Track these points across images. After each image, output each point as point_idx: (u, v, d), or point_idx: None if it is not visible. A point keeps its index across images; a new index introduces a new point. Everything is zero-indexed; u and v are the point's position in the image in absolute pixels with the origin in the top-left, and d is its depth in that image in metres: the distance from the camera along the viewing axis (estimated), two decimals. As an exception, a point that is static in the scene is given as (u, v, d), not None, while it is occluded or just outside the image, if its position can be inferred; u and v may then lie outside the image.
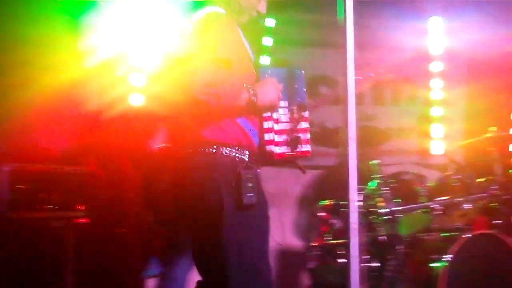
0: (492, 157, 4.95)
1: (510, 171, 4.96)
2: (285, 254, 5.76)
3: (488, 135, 4.95)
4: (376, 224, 4.43)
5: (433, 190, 4.65)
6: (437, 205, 4.51)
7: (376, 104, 6.51)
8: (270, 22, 5.80)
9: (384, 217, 4.41)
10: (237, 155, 2.70)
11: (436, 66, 6.59)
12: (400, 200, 4.50)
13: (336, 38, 2.38)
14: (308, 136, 2.86)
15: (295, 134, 2.80)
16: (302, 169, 3.12)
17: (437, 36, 6.54)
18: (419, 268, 4.43)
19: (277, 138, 2.77)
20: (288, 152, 2.80)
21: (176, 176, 2.79)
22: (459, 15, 6.14)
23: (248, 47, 2.87)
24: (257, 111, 2.74)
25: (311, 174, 6.05)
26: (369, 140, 5.32)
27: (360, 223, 4.23)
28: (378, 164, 4.61)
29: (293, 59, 5.74)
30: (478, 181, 4.74)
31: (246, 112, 2.70)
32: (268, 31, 5.83)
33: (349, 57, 2.29)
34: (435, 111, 6.59)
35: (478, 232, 4.46)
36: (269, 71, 2.79)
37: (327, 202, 4.87)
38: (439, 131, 6.56)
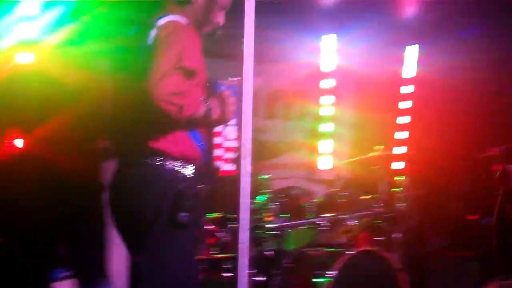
0: (377, 175, 5.07)
1: (393, 189, 5.10)
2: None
3: (374, 153, 5.08)
4: (263, 238, 4.40)
5: (320, 205, 4.69)
6: (323, 221, 4.54)
7: (268, 118, 6.52)
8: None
9: (272, 232, 4.39)
10: (181, 169, 2.65)
11: (327, 83, 6.70)
12: (287, 215, 4.50)
13: (235, 51, 2.29)
14: None
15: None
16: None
17: (329, 54, 6.65)
18: (304, 283, 4.44)
19: (224, 155, 2.70)
20: (234, 170, 2.73)
21: (115, 182, 2.74)
22: (351, 33, 6.28)
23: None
24: (210, 125, 2.68)
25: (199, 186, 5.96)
26: (259, 154, 5.30)
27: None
28: (267, 179, 4.59)
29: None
30: (363, 198, 4.84)
31: (201, 125, 2.65)
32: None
33: (247, 70, 2.21)
34: (324, 127, 6.70)
35: (361, 249, 4.54)
36: (222, 86, 2.71)
37: (215, 215, 4.79)
38: (328, 147, 6.67)
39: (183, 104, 2.46)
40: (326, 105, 6.70)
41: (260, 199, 4.51)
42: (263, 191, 4.52)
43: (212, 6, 2.84)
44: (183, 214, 2.54)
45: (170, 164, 2.63)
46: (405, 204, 5.10)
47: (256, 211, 4.47)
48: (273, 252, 4.39)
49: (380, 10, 5.72)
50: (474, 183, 6.51)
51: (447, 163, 6.48)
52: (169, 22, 2.66)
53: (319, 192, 4.98)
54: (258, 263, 4.33)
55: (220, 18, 2.88)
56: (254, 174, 4.61)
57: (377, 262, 4.45)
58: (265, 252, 4.38)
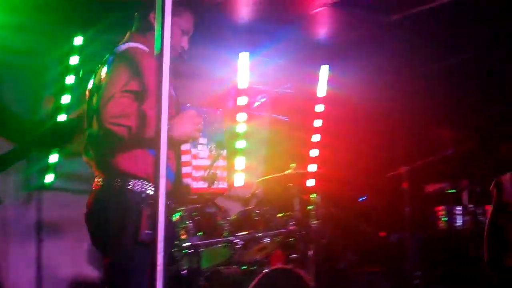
0: (291, 193, 5.11)
1: (307, 207, 5.15)
2: (81, 286, 5.44)
3: (288, 171, 5.11)
4: (177, 257, 4.32)
5: (234, 223, 4.66)
6: (238, 239, 4.52)
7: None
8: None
9: (186, 250, 4.32)
10: (144, 188, 2.74)
11: (242, 100, 6.69)
12: (202, 233, 4.44)
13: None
14: (225, 173, 2.80)
15: (213, 171, 2.86)
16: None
17: (245, 71, 6.65)
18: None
19: (194, 173, 2.87)
20: (205, 188, 2.87)
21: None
22: (266, 51, 6.35)
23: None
24: (172, 144, 2.69)
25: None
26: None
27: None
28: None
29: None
30: (277, 216, 4.85)
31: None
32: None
33: (163, 89, 2.15)
34: (239, 144, 6.68)
35: (275, 266, 4.55)
36: (188, 107, 2.84)
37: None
38: (242, 164, 6.65)
39: (130, 125, 2.54)
40: (241, 122, 6.69)
41: (175, 216, 4.43)
42: (178, 208, 4.45)
43: (175, 32, 2.83)
44: (146, 232, 2.62)
45: (132, 183, 2.71)
46: (318, 221, 5.15)
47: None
48: (187, 271, 4.31)
49: (295, 29, 5.79)
50: (383, 201, 6.68)
51: (357, 180, 6.63)
52: (126, 49, 2.78)
53: (234, 210, 4.94)
54: (173, 282, 4.25)
55: (184, 43, 2.99)
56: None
57: (292, 279, 4.48)
58: (179, 271, 4.30)
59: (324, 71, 6.81)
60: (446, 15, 5.50)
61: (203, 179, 2.82)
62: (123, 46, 2.80)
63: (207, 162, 2.85)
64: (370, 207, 6.72)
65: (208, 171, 2.80)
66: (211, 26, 5.79)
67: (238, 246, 4.51)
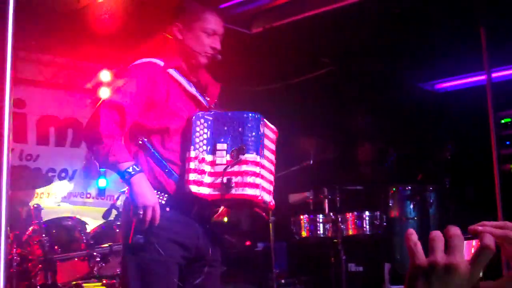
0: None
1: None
2: None
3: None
4: (32, 272, 4.14)
5: (94, 236, 4.54)
6: (97, 252, 4.40)
7: (40, 144, 6.22)
8: None
9: (41, 265, 4.15)
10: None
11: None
12: (58, 247, 4.29)
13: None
14: (247, 179, 2.70)
15: (228, 177, 2.68)
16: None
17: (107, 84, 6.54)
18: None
19: (209, 179, 2.71)
20: (221, 194, 2.72)
21: None
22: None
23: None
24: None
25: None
26: (29, 182, 5.02)
27: (15, 271, 3.94)
28: (37, 208, 4.34)
29: None
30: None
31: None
32: None
33: (6, 89, 2.04)
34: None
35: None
36: (200, 115, 2.80)
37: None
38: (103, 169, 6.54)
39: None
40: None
41: (29, 230, 4.26)
42: (33, 221, 4.28)
43: (198, 36, 2.97)
44: (138, 236, 2.70)
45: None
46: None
47: (25, 243, 4.22)
48: (43, 287, 4.15)
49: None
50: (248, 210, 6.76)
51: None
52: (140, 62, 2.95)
53: (94, 222, 4.82)
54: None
55: (215, 44, 3.00)
56: (25, 202, 4.40)
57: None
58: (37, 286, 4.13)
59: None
60: (306, 29, 5.69)
61: (215, 185, 2.72)
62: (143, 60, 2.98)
63: (222, 168, 2.72)
64: (234, 217, 6.77)
65: (222, 177, 2.69)
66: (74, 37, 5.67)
67: (97, 260, 4.39)
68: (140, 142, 2.85)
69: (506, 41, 5.35)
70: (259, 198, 2.74)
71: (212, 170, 2.73)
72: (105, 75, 6.34)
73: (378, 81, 6.70)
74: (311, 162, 5.90)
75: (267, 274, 6.17)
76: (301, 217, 6.00)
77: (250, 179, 2.70)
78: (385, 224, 5.78)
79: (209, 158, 2.75)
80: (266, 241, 6.21)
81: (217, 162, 2.74)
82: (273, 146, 2.99)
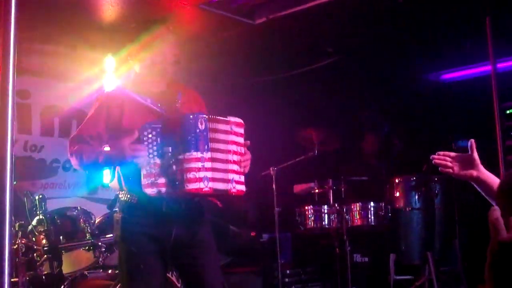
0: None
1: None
2: None
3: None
4: (37, 262, 4.15)
5: (99, 226, 4.55)
6: (102, 242, 4.41)
7: (44, 135, 6.22)
8: None
9: (46, 255, 4.16)
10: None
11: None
12: (63, 237, 4.30)
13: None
14: (188, 175, 3.01)
15: (172, 177, 3.03)
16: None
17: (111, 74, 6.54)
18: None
19: (161, 180, 3.07)
20: (171, 192, 3.06)
21: None
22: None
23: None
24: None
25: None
26: (34, 172, 5.04)
27: (20, 262, 3.95)
28: (42, 199, 4.35)
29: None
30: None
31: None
32: None
33: (9, 80, 2.03)
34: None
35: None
36: (147, 126, 3.08)
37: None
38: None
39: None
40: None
41: (35, 220, 4.27)
42: (37, 211, 4.28)
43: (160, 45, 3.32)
44: (116, 234, 3.38)
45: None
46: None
47: (30, 233, 4.23)
48: (47, 276, 4.16)
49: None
50: (253, 201, 6.77)
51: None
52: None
53: (100, 213, 4.82)
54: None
55: (174, 51, 3.33)
56: (30, 193, 4.39)
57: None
58: (40, 276, 4.14)
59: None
60: (310, 19, 5.67)
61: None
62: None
63: (165, 167, 3.09)
64: (240, 207, 6.79)
65: (168, 177, 3.09)
66: (78, 27, 5.67)
67: (102, 250, 4.41)
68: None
69: (512, 31, 5.34)
70: (205, 189, 3.04)
71: (161, 172, 3.07)
72: (109, 63, 6.36)
73: (383, 71, 6.69)
74: (316, 153, 5.90)
75: (272, 265, 6.19)
76: (306, 208, 6.02)
77: (190, 175, 3.01)
78: (390, 214, 5.78)
79: (158, 161, 3.08)
80: (271, 232, 6.22)
81: (165, 164, 3.07)
82: (232, 137, 3.19)
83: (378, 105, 6.85)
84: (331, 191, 6.04)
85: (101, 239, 4.42)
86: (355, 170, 6.27)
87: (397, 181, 5.86)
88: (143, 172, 3.07)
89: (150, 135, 3.08)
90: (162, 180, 3.06)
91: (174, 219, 3.21)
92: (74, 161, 3.30)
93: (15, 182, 1.99)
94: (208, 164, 3.05)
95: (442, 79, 7.15)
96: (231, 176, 3.15)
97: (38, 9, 4.82)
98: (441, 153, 2.85)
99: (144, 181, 3.06)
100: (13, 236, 3.51)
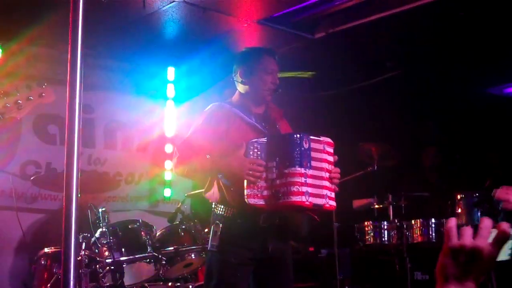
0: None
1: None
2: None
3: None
4: (100, 273, 4.24)
5: (160, 239, 4.61)
6: (163, 255, 4.47)
7: (107, 148, 6.35)
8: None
9: (109, 267, 4.24)
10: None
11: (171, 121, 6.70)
12: (125, 249, 4.38)
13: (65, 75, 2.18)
14: (292, 188, 3.19)
15: (276, 189, 3.22)
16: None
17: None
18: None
19: (263, 192, 3.26)
20: (273, 203, 3.23)
21: None
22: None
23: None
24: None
25: (33, 218, 5.68)
26: (97, 186, 5.14)
27: (84, 273, 4.04)
28: (105, 211, 4.45)
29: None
30: (204, 232, 4.82)
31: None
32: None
33: (77, 95, 2.08)
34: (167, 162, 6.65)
35: (202, 282, 4.51)
36: (253, 141, 3.32)
37: (49, 249, 4.56)
38: (169, 179, 6.62)
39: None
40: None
41: (98, 232, 4.36)
42: (100, 224, 4.38)
43: (260, 76, 3.59)
44: (213, 243, 3.51)
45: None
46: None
47: (93, 245, 4.33)
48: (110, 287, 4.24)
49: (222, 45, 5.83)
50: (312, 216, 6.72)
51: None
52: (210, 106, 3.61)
53: (160, 225, 4.90)
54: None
55: (273, 80, 3.59)
56: (94, 206, 4.49)
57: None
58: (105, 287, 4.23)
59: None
60: (370, 33, 5.64)
61: (263, 197, 3.30)
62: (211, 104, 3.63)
63: (269, 182, 3.30)
64: (296, 222, 6.76)
65: (272, 189, 3.28)
66: (140, 42, 5.79)
67: (163, 262, 4.47)
68: None
69: None
70: (306, 203, 3.21)
71: (265, 185, 3.27)
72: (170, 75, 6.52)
73: (444, 85, 6.57)
74: (375, 167, 5.84)
75: (331, 281, 6.14)
76: (365, 223, 5.95)
77: (294, 188, 3.19)
78: (451, 231, 5.64)
79: (263, 175, 3.27)
80: (330, 248, 6.17)
81: (269, 177, 3.27)
82: (325, 156, 3.39)
83: (439, 119, 6.74)
84: (391, 207, 5.95)
85: (162, 252, 4.48)
86: (415, 185, 6.18)
87: (459, 197, 5.72)
88: (247, 183, 3.26)
89: (256, 150, 3.31)
90: (265, 192, 3.27)
91: (269, 235, 3.45)
92: (181, 168, 3.54)
93: (79, 195, 2.04)
94: (309, 180, 3.25)
95: (505, 92, 6.98)
96: (325, 191, 3.33)
97: (103, 25, 4.94)
98: (505, 187, 2.84)
99: (247, 191, 3.26)
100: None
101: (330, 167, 3.39)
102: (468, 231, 1.31)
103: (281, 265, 3.54)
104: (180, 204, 5.06)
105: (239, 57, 3.77)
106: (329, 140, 3.45)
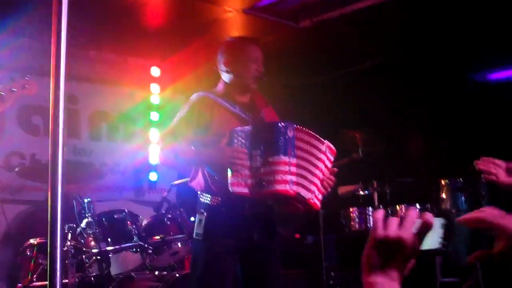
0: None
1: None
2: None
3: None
4: (86, 263, 4.24)
5: (146, 228, 4.61)
6: (149, 244, 4.47)
7: (93, 139, 6.34)
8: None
9: (95, 257, 4.24)
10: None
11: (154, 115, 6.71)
12: (111, 239, 4.38)
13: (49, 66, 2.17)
14: (276, 177, 3.18)
15: (260, 177, 3.20)
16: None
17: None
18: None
19: (247, 181, 3.24)
20: (257, 192, 3.22)
21: None
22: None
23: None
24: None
25: (17, 209, 5.67)
26: (83, 176, 5.13)
27: (70, 263, 4.04)
28: (91, 201, 4.44)
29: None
30: (190, 220, 4.82)
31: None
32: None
33: (61, 86, 2.08)
34: (153, 151, 6.65)
35: (188, 271, 4.52)
36: (237, 129, 3.31)
37: (35, 240, 4.55)
38: (154, 164, 6.65)
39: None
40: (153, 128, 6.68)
41: (83, 223, 4.36)
42: (86, 214, 4.37)
43: (245, 62, 3.58)
44: (197, 232, 3.55)
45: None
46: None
47: (79, 235, 4.32)
48: (96, 278, 4.24)
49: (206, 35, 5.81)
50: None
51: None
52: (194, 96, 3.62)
53: (146, 215, 4.89)
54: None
55: (258, 68, 3.58)
56: (79, 196, 4.48)
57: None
58: (88, 278, 4.23)
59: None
60: (354, 21, 5.65)
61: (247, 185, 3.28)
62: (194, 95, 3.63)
63: (253, 170, 3.30)
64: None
65: (256, 178, 3.27)
66: (126, 34, 5.76)
67: (149, 251, 4.47)
68: None
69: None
70: (290, 191, 3.19)
71: (249, 173, 3.24)
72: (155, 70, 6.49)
73: (428, 72, 6.61)
74: (360, 154, 5.87)
75: (317, 267, 6.18)
76: (351, 210, 5.98)
77: (278, 177, 3.18)
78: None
79: (247, 163, 3.26)
80: (316, 234, 6.21)
81: (253, 165, 3.25)
82: (321, 156, 3.36)
83: (424, 106, 6.77)
84: (376, 193, 5.99)
85: (148, 241, 4.49)
86: (400, 171, 6.21)
87: (443, 182, 5.78)
88: (231, 172, 3.26)
89: (240, 138, 3.30)
90: (250, 180, 3.25)
91: (255, 224, 3.46)
92: (165, 157, 3.58)
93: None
94: (293, 169, 3.24)
95: (489, 78, 7.03)
96: (313, 187, 3.31)
97: (87, 16, 4.92)
98: (485, 158, 2.83)
99: (231, 180, 3.25)
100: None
101: (326, 171, 3.37)
102: (393, 221, 1.35)
103: (268, 254, 3.55)
104: (166, 193, 5.06)
105: (223, 46, 3.75)
106: (332, 147, 3.44)
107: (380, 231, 1.35)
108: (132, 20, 5.50)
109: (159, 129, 6.64)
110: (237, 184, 3.24)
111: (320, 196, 3.35)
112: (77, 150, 6.09)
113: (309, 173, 3.30)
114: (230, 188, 3.24)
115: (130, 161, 6.54)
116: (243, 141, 3.31)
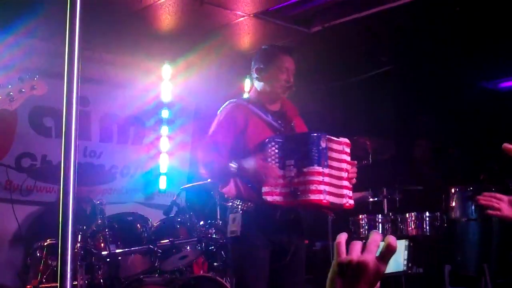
0: (213, 201, 5.10)
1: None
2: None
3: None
4: (96, 266, 4.25)
5: (155, 231, 4.62)
6: (158, 248, 4.48)
7: (103, 141, 6.35)
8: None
9: (104, 259, 4.25)
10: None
11: (165, 112, 6.70)
12: (120, 242, 4.39)
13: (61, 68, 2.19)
14: (310, 187, 3.26)
15: (294, 186, 3.28)
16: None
17: (167, 83, 6.65)
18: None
19: (281, 190, 3.33)
20: (291, 201, 3.32)
21: None
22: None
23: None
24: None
25: (28, 210, 5.70)
26: (93, 178, 5.15)
27: (80, 265, 4.05)
28: (101, 204, 4.45)
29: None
30: (200, 224, 4.83)
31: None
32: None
33: (74, 88, 2.09)
34: (163, 156, 6.67)
35: (197, 274, 4.53)
36: (271, 139, 3.40)
37: (45, 241, 4.57)
38: (164, 172, 6.64)
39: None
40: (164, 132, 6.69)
41: (93, 225, 4.37)
42: (96, 216, 4.39)
43: (277, 73, 3.64)
44: (233, 230, 3.61)
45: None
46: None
47: (89, 238, 4.33)
48: (106, 280, 4.25)
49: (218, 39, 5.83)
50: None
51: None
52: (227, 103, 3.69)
53: (156, 218, 4.90)
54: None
55: (289, 78, 3.65)
56: (89, 198, 4.51)
57: (214, 287, 4.46)
58: (98, 280, 4.24)
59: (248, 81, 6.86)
60: (365, 27, 5.65)
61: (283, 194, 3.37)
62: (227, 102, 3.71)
63: (289, 180, 3.37)
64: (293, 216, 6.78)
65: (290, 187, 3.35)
66: (136, 36, 5.78)
67: (158, 255, 4.48)
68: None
69: None
70: (324, 201, 3.29)
71: (283, 182, 3.33)
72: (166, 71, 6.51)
73: (439, 80, 6.60)
74: (370, 161, 5.86)
75: (325, 274, 6.15)
76: (360, 216, 5.98)
77: (312, 187, 3.26)
78: (445, 225, 5.68)
79: (280, 172, 3.34)
80: (324, 240, 6.20)
81: (286, 175, 3.33)
82: (344, 157, 3.48)
83: (433, 114, 6.76)
84: (386, 200, 5.98)
85: (158, 244, 4.49)
86: (410, 179, 6.20)
87: (453, 190, 5.75)
88: (264, 180, 3.34)
89: (274, 148, 3.39)
90: (283, 189, 3.34)
91: (285, 229, 3.55)
92: (203, 171, 3.66)
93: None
94: (327, 179, 3.33)
95: (500, 87, 7.01)
96: (345, 191, 3.45)
97: (98, 19, 4.94)
98: (487, 194, 2.84)
99: (265, 189, 3.35)
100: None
101: (348, 166, 3.49)
102: (357, 245, 1.33)
103: (296, 259, 3.62)
104: (175, 196, 5.07)
105: (257, 54, 3.84)
106: (347, 141, 3.53)
107: (343, 255, 1.33)
108: (144, 23, 5.52)
109: (169, 130, 6.66)
110: (271, 193, 3.34)
111: (351, 194, 3.50)
112: (88, 152, 6.11)
113: (339, 179, 3.41)
114: (263, 197, 3.34)
115: (140, 164, 6.55)
116: (276, 150, 3.39)
